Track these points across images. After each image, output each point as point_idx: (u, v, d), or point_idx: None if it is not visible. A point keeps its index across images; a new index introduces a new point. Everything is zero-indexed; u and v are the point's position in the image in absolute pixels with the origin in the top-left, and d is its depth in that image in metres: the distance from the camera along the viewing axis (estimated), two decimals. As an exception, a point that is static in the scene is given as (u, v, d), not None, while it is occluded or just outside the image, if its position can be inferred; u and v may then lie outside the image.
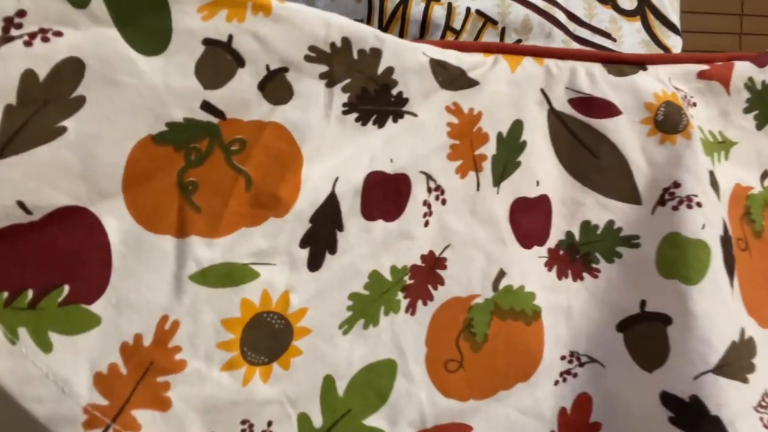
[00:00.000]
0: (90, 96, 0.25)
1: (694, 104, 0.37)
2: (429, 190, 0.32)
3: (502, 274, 0.34)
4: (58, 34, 0.25)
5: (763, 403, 0.33)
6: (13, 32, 0.24)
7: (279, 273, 0.29)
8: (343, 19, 0.30)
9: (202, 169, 0.28)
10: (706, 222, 0.33)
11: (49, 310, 0.25)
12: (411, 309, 0.33)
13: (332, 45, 0.29)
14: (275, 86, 0.29)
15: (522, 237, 0.34)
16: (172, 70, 0.26)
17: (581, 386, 0.34)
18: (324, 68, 0.30)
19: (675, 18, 0.47)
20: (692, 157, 0.34)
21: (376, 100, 0.31)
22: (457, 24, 0.40)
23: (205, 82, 0.27)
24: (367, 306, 0.31)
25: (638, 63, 0.36)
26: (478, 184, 0.34)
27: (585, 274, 0.35)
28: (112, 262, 0.26)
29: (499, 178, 0.34)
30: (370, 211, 0.31)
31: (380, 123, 0.31)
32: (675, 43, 0.46)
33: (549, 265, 0.35)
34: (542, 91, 0.34)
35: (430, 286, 0.33)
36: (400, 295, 0.32)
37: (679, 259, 0.33)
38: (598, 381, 0.34)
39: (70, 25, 0.25)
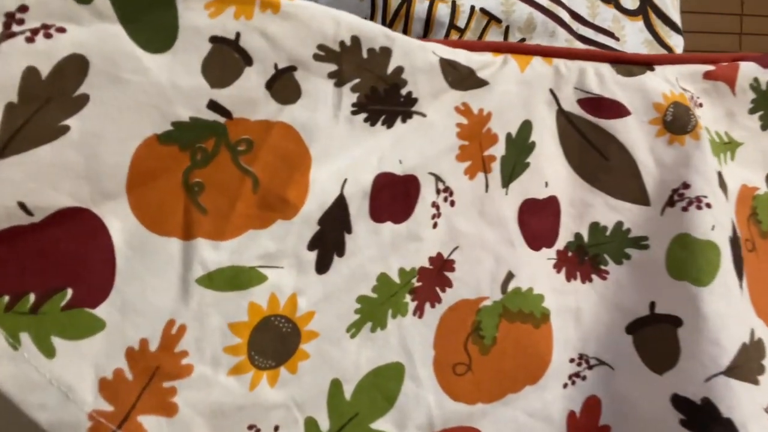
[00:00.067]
0: (94, 94, 0.25)
1: (701, 105, 0.37)
2: (438, 191, 0.32)
3: (510, 276, 0.33)
4: (61, 30, 0.24)
5: None
6: (15, 28, 0.23)
7: (287, 276, 0.28)
8: (353, 17, 0.29)
9: (209, 170, 0.27)
10: (716, 223, 0.33)
11: (51, 315, 0.25)
12: (419, 312, 0.32)
13: (341, 43, 0.29)
14: (283, 85, 0.28)
15: (531, 238, 0.34)
16: (178, 68, 0.26)
17: (590, 389, 0.34)
18: (333, 67, 0.29)
19: (676, 17, 0.47)
20: (701, 157, 0.34)
21: (385, 100, 0.30)
22: (461, 22, 0.40)
23: (211, 80, 0.27)
24: (375, 309, 0.31)
25: (646, 63, 0.35)
26: (487, 186, 0.33)
27: (594, 276, 0.35)
28: (116, 265, 0.26)
29: (507, 179, 0.34)
30: (378, 213, 0.30)
31: (389, 123, 0.31)
32: (677, 43, 0.46)
33: (557, 266, 0.35)
34: (551, 91, 0.34)
35: (438, 289, 0.33)
36: (407, 298, 0.32)
37: (689, 261, 0.33)
38: (607, 383, 0.34)
39: (74, 22, 0.24)
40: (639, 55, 0.38)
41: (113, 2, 0.25)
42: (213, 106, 0.27)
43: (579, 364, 0.34)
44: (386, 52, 0.30)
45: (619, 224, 0.35)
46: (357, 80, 0.30)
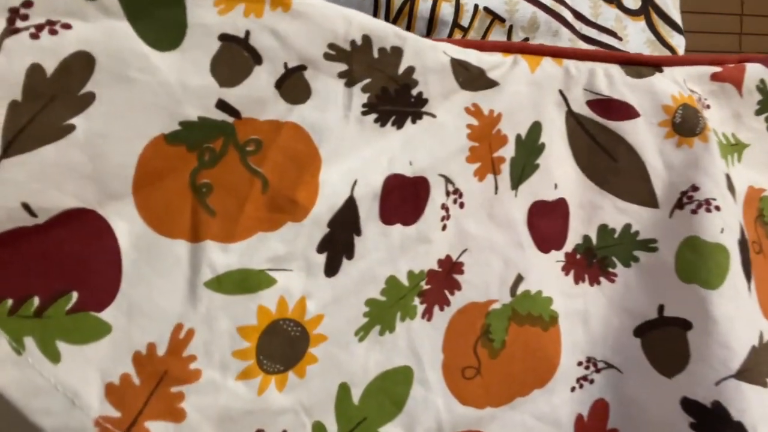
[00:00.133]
0: (100, 92, 0.24)
1: (708, 106, 0.37)
2: (447, 193, 0.32)
3: (519, 278, 0.33)
4: (67, 26, 0.23)
5: None
6: (19, 24, 0.23)
7: (296, 279, 0.28)
8: (364, 15, 0.29)
9: (217, 170, 0.27)
10: (725, 226, 0.33)
11: (56, 318, 0.24)
12: (427, 315, 0.32)
13: (352, 43, 0.28)
14: (293, 85, 0.28)
15: (540, 241, 0.34)
16: (187, 67, 0.25)
17: (598, 392, 0.34)
18: (343, 67, 0.29)
19: (677, 17, 0.47)
20: (710, 160, 0.34)
21: (396, 100, 0.30)
22: (464, 21, 0.40)
23: (221, 79, 0.26)
24: (384, 312, 0.30)
25: (654, 64, 0.35)
26: (496, 187, 0.33)
27: (602, 279, 0.35)
28: (123, 268, 0.25)
29: (517, 181, 0.33)
30: (388, 216, 0.30)
31: (399, 124, 0.30)
32: (679, 43, 0.46)
33: (566, 269, 0.35)
34: (560, 92, 0.34)
35: (447, 292, 0.32)
36: (416, 301, 0.31)
37: (698, 264, 0.32)
38: (616, 387, 0.34)
39: (80, 18, 0.24)
40: (647, 56, 0.38)
41: None
42: (222, 105, 0.26)
43: (587, 368, 0.34)
44: (397, 52, 0.30)
45: (628, 226, 0.35)
46: (368, 80, 0.29)
